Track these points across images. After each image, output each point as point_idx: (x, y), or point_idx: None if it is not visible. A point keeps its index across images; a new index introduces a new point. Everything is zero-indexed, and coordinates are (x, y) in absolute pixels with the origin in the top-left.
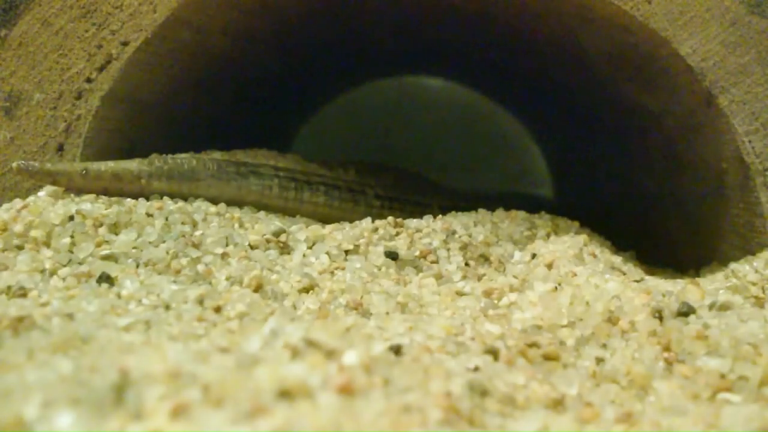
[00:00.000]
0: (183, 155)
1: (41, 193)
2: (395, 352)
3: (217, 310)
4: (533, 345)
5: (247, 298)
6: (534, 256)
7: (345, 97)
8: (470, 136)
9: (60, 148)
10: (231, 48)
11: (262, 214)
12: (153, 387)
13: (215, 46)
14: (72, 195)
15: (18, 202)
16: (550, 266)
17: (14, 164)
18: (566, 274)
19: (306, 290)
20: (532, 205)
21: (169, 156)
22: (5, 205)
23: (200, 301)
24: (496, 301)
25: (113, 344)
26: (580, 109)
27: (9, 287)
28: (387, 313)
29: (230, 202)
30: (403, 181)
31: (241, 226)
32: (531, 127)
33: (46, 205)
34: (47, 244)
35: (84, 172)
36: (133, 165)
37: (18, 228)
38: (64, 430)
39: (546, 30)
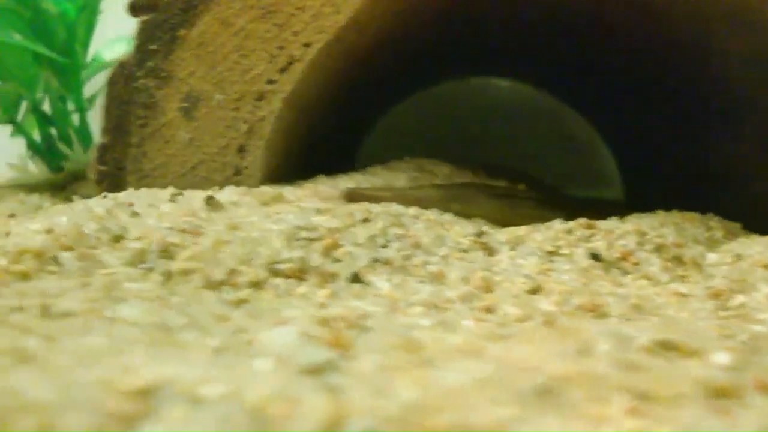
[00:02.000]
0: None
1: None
2: None
3: (489, 310)
4: None
5: (510, 300)
6: (738, 257)
7: (423, 95)
8: (541, 136)
9: (241, 150)
10: (370, 49)
11: (448, 216)
12: (574, 389)
13: (361, 47)
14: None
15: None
16: (767, 267)
17: (344, 190)
18: None
19: (534, 291)
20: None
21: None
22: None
23: (468, 300)
24: (725, 302)
25: (448, 346)
26: (683, 110)
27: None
28: (625, 315)
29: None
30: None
31: (442, 227)
32: (603, 129)
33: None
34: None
35: (399, 195)
36: (431, 191)
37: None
38: (548, 430)
39: (675, 32)
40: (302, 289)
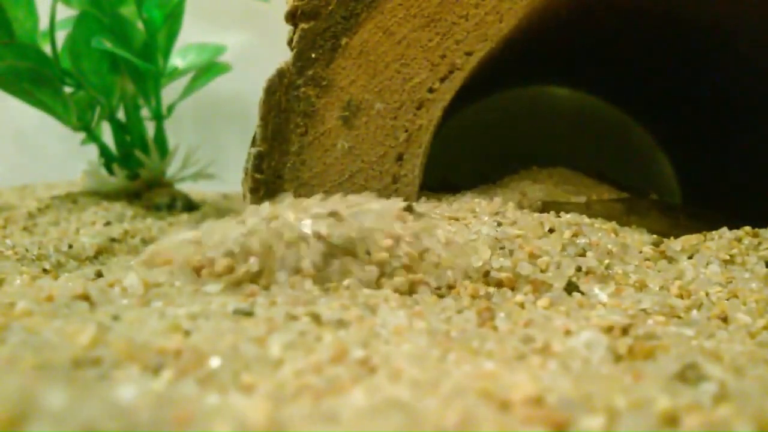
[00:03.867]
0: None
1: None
2: None
3: (725, 320)
4: None
5: (737, 308)
6: None
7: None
8: (598, 144)
9: (399, 158)
10: (500, 58)
11: (614, 223)
12: None
13: (496, 56)
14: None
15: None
16: None
17: (538, 201)
18: None
19: (732, 299)
20: None
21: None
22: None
23: (697, 308)
24: None
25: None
26: (740, 118)
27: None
28: None
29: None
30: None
31: (616, 234)
32: (662, 137)
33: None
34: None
35: (587, 208)
36: (613, 205)
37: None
38: None
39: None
40: (519, 297)
